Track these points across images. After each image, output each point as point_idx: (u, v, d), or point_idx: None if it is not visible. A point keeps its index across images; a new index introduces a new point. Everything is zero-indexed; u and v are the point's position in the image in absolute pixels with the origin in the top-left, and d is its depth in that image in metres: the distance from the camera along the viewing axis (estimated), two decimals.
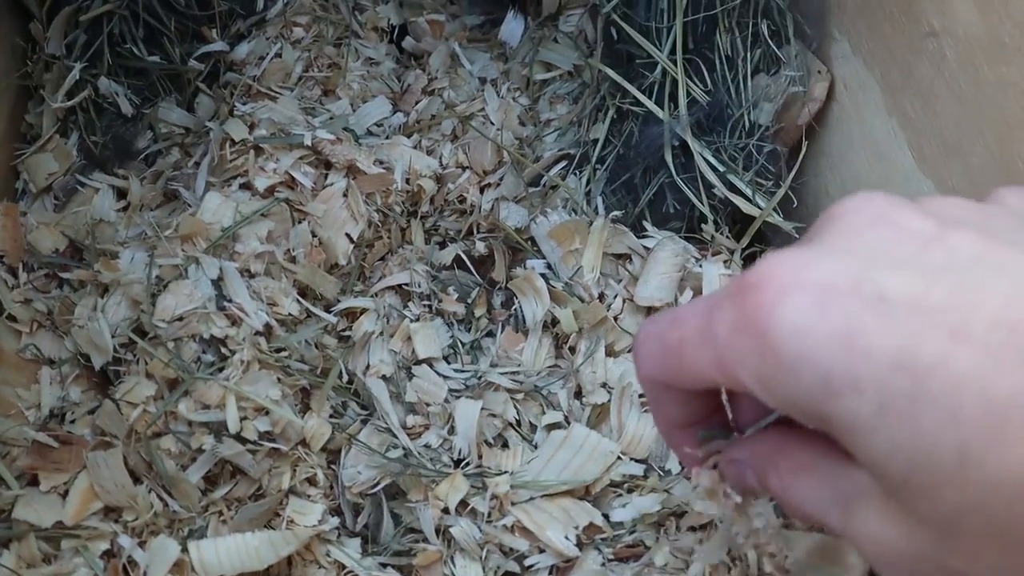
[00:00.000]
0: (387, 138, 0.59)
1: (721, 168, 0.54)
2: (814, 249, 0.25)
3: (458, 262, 0.58)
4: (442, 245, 0.59)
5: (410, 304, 0.56)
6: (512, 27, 0.66)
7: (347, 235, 0.54)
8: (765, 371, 0.23)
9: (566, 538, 0.47)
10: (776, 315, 0.23)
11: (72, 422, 0.49)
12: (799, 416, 0.24)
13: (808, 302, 0.23)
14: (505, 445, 0.51)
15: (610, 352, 0.54)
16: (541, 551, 0.47)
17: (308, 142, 0.54)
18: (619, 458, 0.50)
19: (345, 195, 0.55)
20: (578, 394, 0.53)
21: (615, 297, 0.55)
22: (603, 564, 0.47)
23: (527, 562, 0.47)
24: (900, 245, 0.24)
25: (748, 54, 0.55)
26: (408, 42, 0.66)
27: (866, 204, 0.26)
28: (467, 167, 0.60)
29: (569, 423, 0.51)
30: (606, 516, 0.48)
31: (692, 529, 0.47)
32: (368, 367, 0.52)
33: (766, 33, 0.55)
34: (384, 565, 0.48)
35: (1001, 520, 0.21)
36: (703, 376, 0.26)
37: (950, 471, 0.21)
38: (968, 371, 0.21)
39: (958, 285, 0.22)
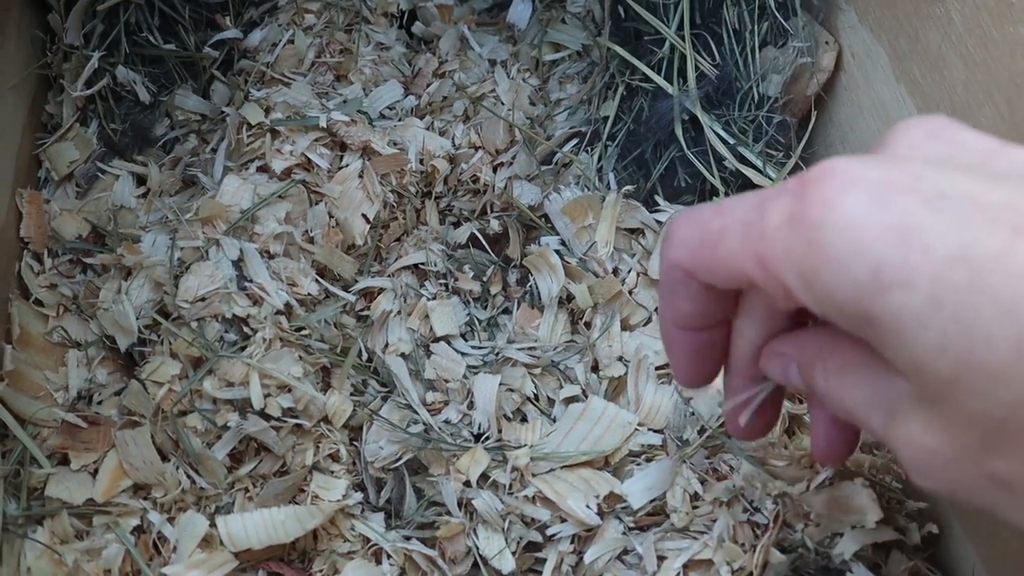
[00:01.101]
0: (400, 120, 0.60)
1: (731, 141, 0.55)
2: (876, 155, 0.25)
3: (473, 241, 0.58)
4: (456, 224, 0.60)
5: (426, 283, 0.56)
6: (520, 9, 0.66)
7: (363, 216, 0.55)
8: (811, 265, 0.23)
9: (587, 507, 0.47)
10: (834, 208, 0.22)
11: (99, 403, 0.50)
12: (838, 316, 0.23)
13: (866, 196, 0.22)
14: (524, 419, 0.52)
15: (625, 326, 0.54)
16: (563, 521, 0.48)
17: (323, 124, 0.55)
18: (637, 429, 0.50)
19: (361, 176, 0.55)
20: (595, 368, 0.53)
21: (629, 271, 0.55)
22: (624, 532, 0.48)
23: (549, 532, 0.48)
24: (961, 156, 0.24)
25: (755, 27, 0.56)
26: (417, 27, 0.66)
27: (927, 120, 0.26)
28: (479, 147, 0.60)
29: (587, 396, 0.52)
30: None
31: (717, 503, 0.47)
32: (387, 345, 0.53)
33: (773, 6, 0.56)
34: (408, 538, 0.49)
35: None
36: (735, 269, 0.26)
37: (1005, 365, 0.21)
38: None
39: (1020, 188, 0.22)
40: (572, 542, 0.48)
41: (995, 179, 0.22)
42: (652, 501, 0.48)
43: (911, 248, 0.21)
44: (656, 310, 0.55)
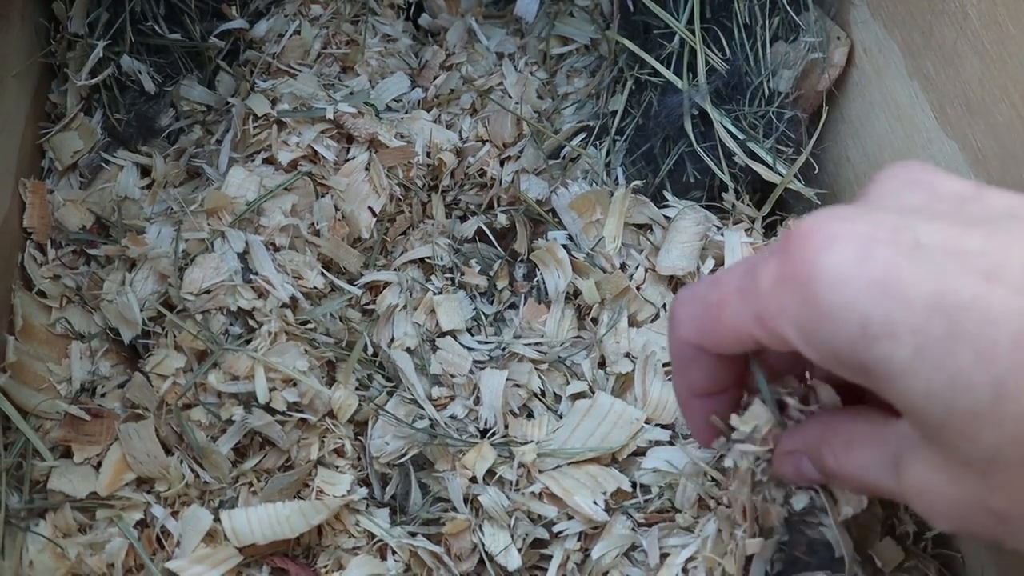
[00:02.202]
0: (407, 113, 0.59)
1: (741, 136, 0.54)
2: (855, 207, 0.26)
3: (480, 235, 0.58)
4: (463, 218, 0.59)
5: (433, 277, 0.56)
6: (528, 2, 0.66)
7: (370, 208, 0.54)
8: (806, 321, 0.24)
9: (595, 503, 0.47)
10: (819, 264, 0.24)
11: (103, 395, 0.49)
12: (838, 367, 0.25)
13: (849, 251, 0.23)
14: (530, 415, 0.52)
15: (633, 322, 0.54)
16: (570, 518, 0.48)
17: (330, 115, 0.54)
18: (644, 425, 0.50)
19: (367, 169, 0.55)
20: (601, 364, 0.53)
21: (637, 267, 0.55)
22: (633, 529, 0.48)
23: (556, 528, 0.48)
24: (937, 203, 0.25)
25: (766, 21, 0.55)
26: (424, 19, 0.66)
27: (905, 169, 0.27)
28: (487, 140, 0.60)
29: (593, 392, 0.51)
30: (634, 483, 0.49)
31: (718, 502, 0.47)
32: (393, 340, 0.53)
33: (784, 0, 0.55)
34: (413, 534, 0.49)
35: None
36: (741, 334, 0.27)
37: (986, 408, 0.22)
38: (1002, 310, 0.21)
39: (992, 233, 0.23)
40: (579, 539, 0.48)
41: (969, 226, 0.23)
42: (661, 497, 0.48)
43: (893, 301, 0.23)
44: (664, 307, 0.54)
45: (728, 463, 0.36)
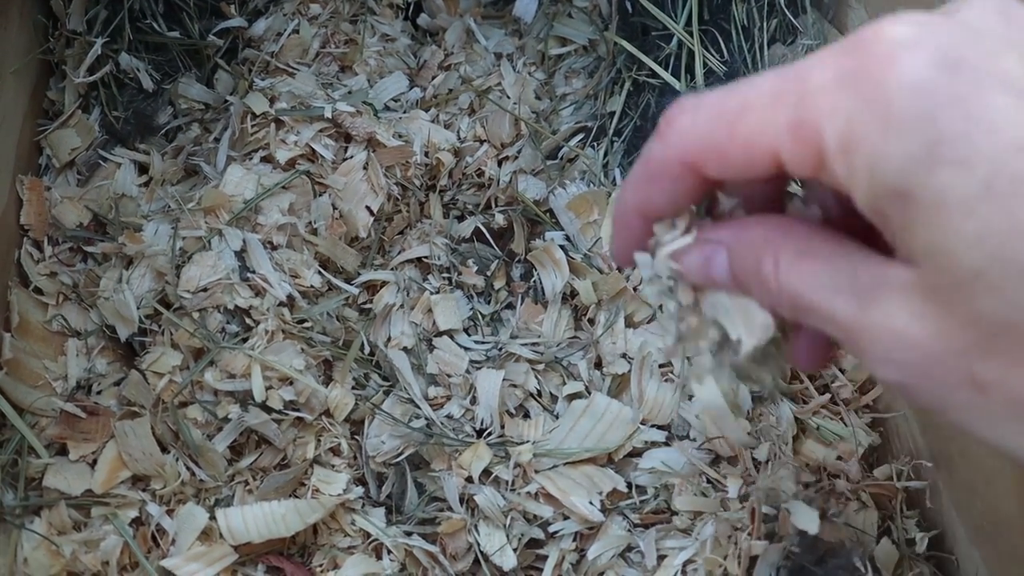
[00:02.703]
0: (405, 113, 0.59)
1: None
2: (943, 17, 0.22)
3: (477, 235, 0.58)
4: (461, 218, 0.59)
5: (430, 277, 0.56)
6: (526, 3, 0.66)
7: (367, 208, 0.54)
8: (862, 128, 0.21)
9: (590, 503, 0.47)
10: (900, 65, 0.21)
11: (99, 393, 0.49)
12: (865, 191, 0.21)
13: (937, 60, 0.20)
14: (527, 415, 0.52)
15: (629, 323, 0.54)
16: (565, 518, 0.48)
17: (328, 114, 0.54)
18: (640, 426, 0.50)
19: (365, 168, 0.55)
20: (598, 364, 0.53)
21: (634, 268, 0.55)
22: (629, 529, 0.48)
23: (551, 528, 0.48)
24: None
25: (764, 24, 0.55)
26: (423, 19, 0.66)
27: None
28: (485, 140, 0.60)
29: (590, 393, 0.52)
30: (629, 484, 0.49)
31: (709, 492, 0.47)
32: (389, 339, 0.53)
33: (782, 3, 0.55)
34: (409, 533, 0.49)
35: None
36: (756, 150, 0.23)
37: None
38: None
39: None
40: (574, 539, 0.48)
41: None
42: (657, 498, 0.48)
43: (977, 125, 0.20)
44: (660, 307, 0.54)
45: (646, 276, 0.28)
